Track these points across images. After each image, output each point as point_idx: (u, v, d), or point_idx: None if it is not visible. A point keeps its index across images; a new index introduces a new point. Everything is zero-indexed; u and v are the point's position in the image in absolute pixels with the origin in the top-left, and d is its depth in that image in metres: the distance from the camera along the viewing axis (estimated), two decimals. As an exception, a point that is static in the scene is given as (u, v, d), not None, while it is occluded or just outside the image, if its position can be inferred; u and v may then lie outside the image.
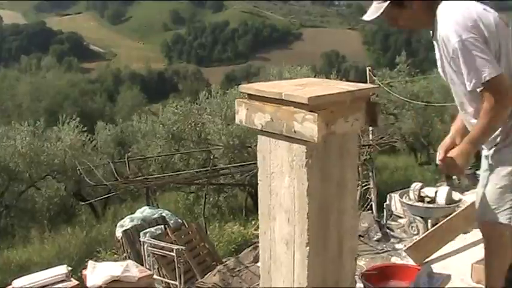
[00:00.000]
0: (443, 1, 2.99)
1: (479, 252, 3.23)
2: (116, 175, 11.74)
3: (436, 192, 6.23)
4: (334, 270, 2.55)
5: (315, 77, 18.23)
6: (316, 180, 2.37)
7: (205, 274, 7.95)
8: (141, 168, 19.64)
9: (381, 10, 2.95)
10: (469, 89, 2.88)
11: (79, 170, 13.13)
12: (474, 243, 3.58)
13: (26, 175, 14.09)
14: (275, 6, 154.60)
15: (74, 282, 4.94)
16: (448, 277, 3.26)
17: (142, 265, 7.74)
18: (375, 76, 15.33)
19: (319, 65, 67.16)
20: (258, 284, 5.97)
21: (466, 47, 2.81)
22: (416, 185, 6.60)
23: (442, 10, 2.96)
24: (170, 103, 19.35)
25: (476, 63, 2.80)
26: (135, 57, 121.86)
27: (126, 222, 10.09)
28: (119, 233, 9.86)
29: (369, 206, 13.17)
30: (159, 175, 13.64)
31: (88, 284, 5.06)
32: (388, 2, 2.93)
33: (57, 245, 14.97)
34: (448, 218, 3.64)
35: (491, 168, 3.13)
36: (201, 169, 14.21)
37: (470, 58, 2.82)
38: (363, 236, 8.20)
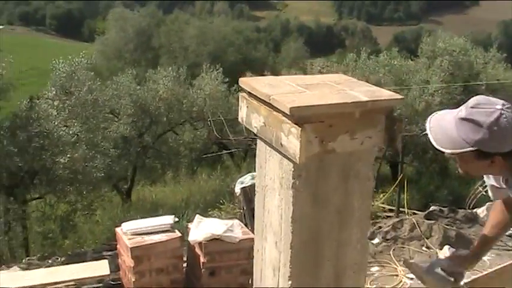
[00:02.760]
0: None
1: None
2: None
3: None
4: (328, 311, 2.12)
5: (472, 49, 16.78)
6: (305, 206, 1.94)
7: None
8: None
9: (461, 151, 2.20)
10: None
11: (209, 121, 13.27)
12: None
13: (165, 119, 14.52)
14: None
15: (177, 234, 4.97)
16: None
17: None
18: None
19: (494, 34, 62.52)
20: (368, 262, 5.64)
21: None
22: None
23: None
24: (317, 60, 18.89)
25: None
26: (305, 9, 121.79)
27: (247, 179, 9.99)
28: (237, 189, 9.84)
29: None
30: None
31: (189, 238, 5.07)
32: (474, 149, 2.17)
33: (189, 189, 15.44)
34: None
35: None
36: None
37: None
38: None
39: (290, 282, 2.01)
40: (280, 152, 1.93)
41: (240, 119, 2.21)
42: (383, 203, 11.30)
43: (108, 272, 5.14)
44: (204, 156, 16.31)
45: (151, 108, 14.23)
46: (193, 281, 5.02)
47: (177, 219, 5.56)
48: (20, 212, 9.86)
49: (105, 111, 11.94)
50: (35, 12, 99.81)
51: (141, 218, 5.71)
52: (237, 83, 2.20)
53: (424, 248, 6.33)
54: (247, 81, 2.08)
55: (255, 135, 2.10)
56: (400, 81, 14.59)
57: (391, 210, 10.94)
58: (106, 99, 12.03)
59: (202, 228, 5.08)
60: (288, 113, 1.77)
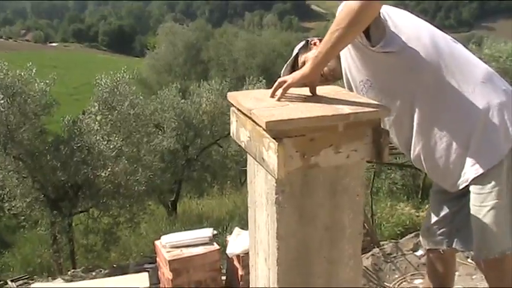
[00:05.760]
0: None
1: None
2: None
3: None
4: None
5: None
6: (290, 222, 1.89)
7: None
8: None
9: None
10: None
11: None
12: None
13: (208, 132, 14.53)
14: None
15: (215, 246, 4.99)
16: None
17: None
18: None
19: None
20: (411, 274, 5.48)
21: None
22: None
23: None
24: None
25: None
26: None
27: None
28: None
29: None
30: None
31: (227, 251, 5.09)
32: None
33: (234, 202, 15.40)
34: None
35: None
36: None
37: None
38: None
39: (280, 299, 1.95)
40: (263, 167, 1.89)
41: (231, 134, 2.18)
42: (428, 214, 11.05)
43: (147, 285, 5.15)
44: (243, 168, 16.25)
45: (195, 122, 14.29)
46: (232, 293, 5.03)
47: (215, 232, 5.55)
48: (65, 225, 10.00)
49: (148, 125, 11.98)
50: (87, 29, 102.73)
51: (185, 230, 5.75)
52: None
53: (469, 260, 6.09)
54: (235, 96, 2.05)
55: (244, 149, 2.07)
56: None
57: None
58: (149, 113, 12.09)
59: (241, 241, 5.06)
60: (265, 128, 1.73)
